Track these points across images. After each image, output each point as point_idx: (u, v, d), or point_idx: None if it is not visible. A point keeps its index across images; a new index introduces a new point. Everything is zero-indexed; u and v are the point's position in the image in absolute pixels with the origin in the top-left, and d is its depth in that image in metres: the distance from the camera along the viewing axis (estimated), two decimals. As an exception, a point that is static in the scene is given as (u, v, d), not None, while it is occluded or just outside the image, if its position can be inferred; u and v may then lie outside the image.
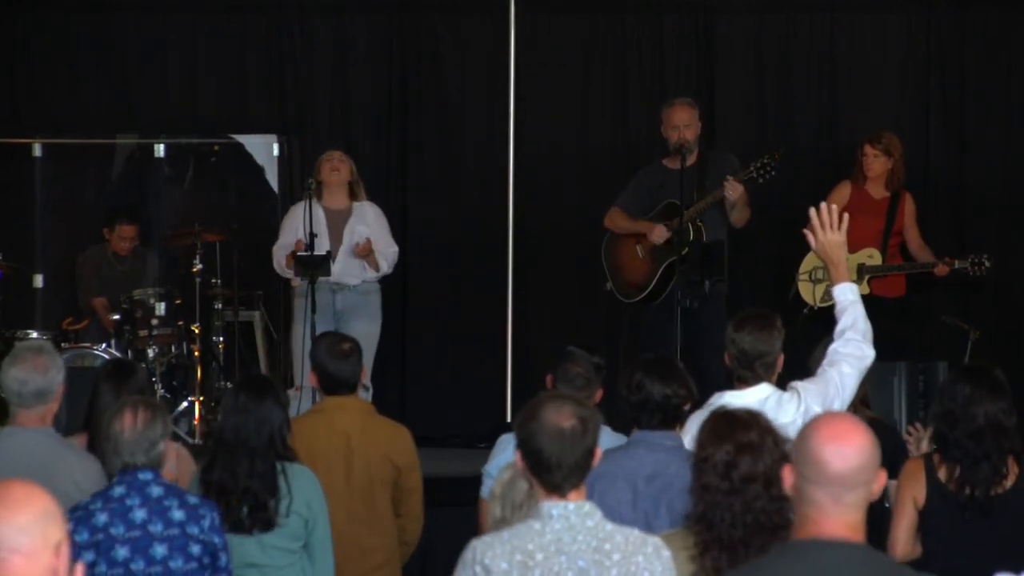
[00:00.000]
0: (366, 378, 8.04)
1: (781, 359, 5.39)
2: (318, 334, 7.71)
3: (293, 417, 5.66)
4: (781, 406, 5.19)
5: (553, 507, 3.77)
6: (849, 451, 3.26)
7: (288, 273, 9.14)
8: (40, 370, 5.29)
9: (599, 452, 3.85)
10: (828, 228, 5.34)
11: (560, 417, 3.79)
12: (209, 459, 5.37)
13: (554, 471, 3.76)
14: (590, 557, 3.74)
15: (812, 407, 5.17)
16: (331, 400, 6.08)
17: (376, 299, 9.22)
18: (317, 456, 5.84)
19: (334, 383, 6.05)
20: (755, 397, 5.20)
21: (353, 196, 9.14)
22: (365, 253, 8.99)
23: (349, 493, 5.95)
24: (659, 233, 8.92)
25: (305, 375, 8.30)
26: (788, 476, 3.35)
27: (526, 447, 3.81)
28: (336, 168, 9.08)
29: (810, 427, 3.34)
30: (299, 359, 8.73)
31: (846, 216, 5.39)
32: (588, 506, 3.79)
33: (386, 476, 6.04)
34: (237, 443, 5.32)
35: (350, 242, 9.01)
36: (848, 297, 5.34)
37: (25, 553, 2.83)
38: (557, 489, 3.78)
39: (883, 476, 3.34)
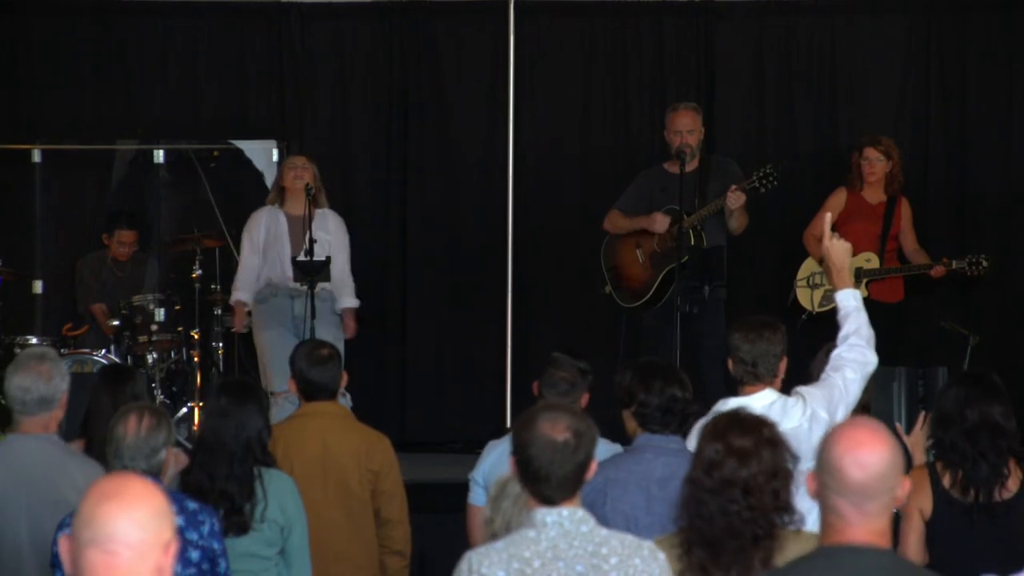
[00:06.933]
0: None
1: (784, 363, 5.38)
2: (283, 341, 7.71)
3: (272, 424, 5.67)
4: (786, 411, 5.20)
5: (547, 514, 3.78)
6: (869, 460, 3.24)
7: (237, 294, 9.05)
8: (44, 377, 5.29)
9: (594, 465, 3.84)
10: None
11: (554, 430, 3.79)
12: (190, 460, 5.39)
13: (542, 483, 3.78)
14: (587, 562, 3.74)
15: (818, 412, 5.19)
16: (310, 406, 6.12)
17: (332, 306, 9.09)
18: (294, 461, 5.87)
19: (313, 389, 6.09)
20: (760, 402, 5.19)
21: (315, 203, 9.01)
22: (353, 330, 9.00)
23: (325, 498, 5.96)
24: (660, 222, 8.89)
25: (277, 381, 8.31)
26: (811, 483, 3.34)
27: (519, 456, 3.82)
28: (299, 175, 8.97)
29: (831, 435, 3.32)
30: (276, 365, 8.60)
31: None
32: (581, 512, 3.80)
33: (363, 482, 6.05)
34: (216, 445, 5.35)
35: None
36: (851, 303, 5.37)
37: (137, 548, 2.85)
38: (548, 500, 3.79)
39: (907, 482, 3.33)
